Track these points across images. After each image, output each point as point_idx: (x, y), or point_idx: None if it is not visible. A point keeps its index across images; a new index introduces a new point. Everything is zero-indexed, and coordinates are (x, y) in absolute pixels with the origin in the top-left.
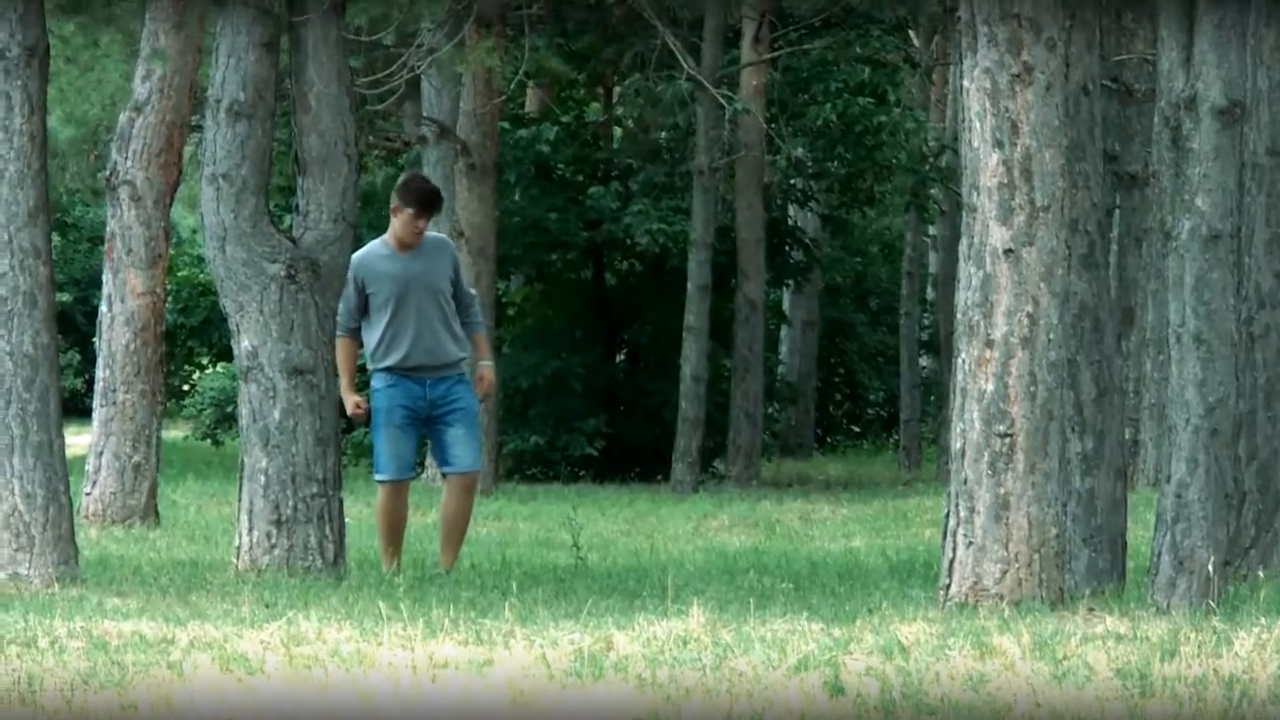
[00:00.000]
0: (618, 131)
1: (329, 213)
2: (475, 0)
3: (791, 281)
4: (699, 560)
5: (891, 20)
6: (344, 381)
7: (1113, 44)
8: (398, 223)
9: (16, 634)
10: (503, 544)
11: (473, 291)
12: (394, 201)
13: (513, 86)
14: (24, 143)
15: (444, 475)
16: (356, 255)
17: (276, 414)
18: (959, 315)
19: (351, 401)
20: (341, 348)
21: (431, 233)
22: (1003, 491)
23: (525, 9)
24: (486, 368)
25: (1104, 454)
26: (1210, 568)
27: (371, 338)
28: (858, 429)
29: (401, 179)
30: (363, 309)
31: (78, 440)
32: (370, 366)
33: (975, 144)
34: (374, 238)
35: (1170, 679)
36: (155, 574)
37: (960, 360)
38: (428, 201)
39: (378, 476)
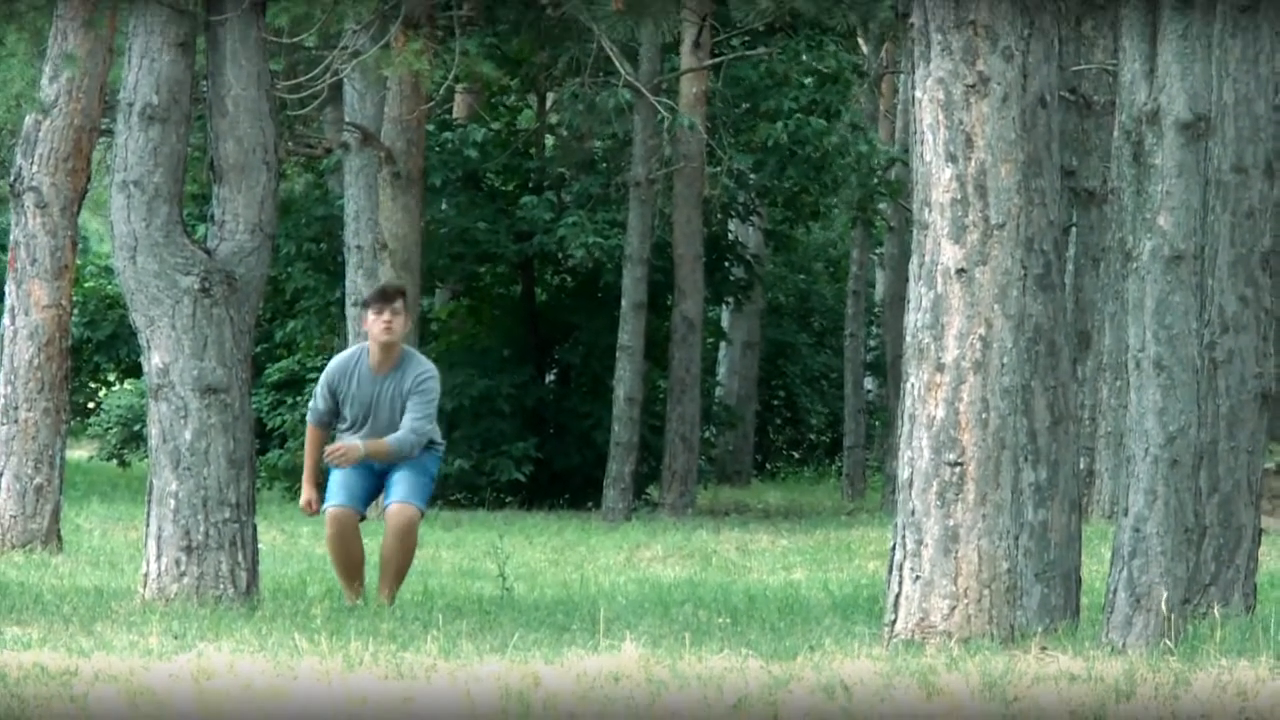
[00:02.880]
0: (551, 140)
1: (246, 223)
2: (403, 0)
3: (731, 299)
4: (631, 592)
5: (842, 27)
6: (307, 471)
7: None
8: (370, 329)
9: None
10: (425, 573)
11: (416, 418)
12: (363, 316)
13: (441, 92)
14: None
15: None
16: (333, 363)
17: (188, 434)
18: (908, 337)
19: (305, 498)
20: (310, 437)
21: (423, 360)
22: (952, 523)
23: (455, 10)
24: (356, 444)
25: (1058, 484)
26: (1168, 605)
27: (340, 431)
28: (799, 455)
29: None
30: (334, 408)
31: None
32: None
33: (927, 158)
34: (291, 248)
35: None
36: (58, 602)
37: (909, 385)
38: (381, 293)
39: (325, 505)
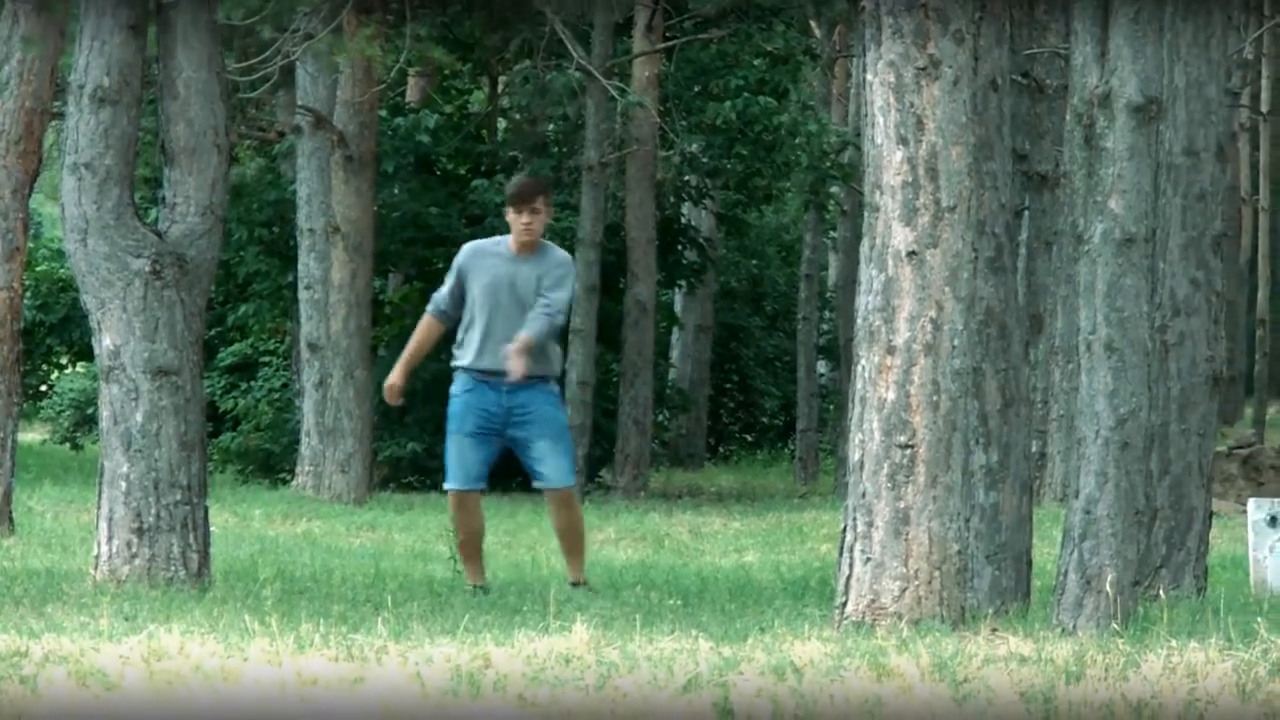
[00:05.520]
0: (503, 123)
1: (197, 205)
2: None
3: (684, 283)
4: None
5: (796, 12)
6: (404, 356)
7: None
8: (511, 225)
9: None
10: (377, 555)
11: (549, 299)
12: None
13: (392, 75)
14: None
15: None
16: (468, 245)
17: (139, 417)
18: (859, 320)
19: (391, 380)
20: (424, 324)
21: (564, 253)
22: (903, 505)
23: None
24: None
25: (1009, 467)
26: (1118, 587)
27: (460, 332)
28: (751, 438)
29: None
30: (458, 299)
31: None
32: (452, 364)
33: (878, 140)
34: (243, 233)
35: (1075, 703)
36: (8, 584)
37: (860, 367)
38: (519, 193)
39: (445, 485)
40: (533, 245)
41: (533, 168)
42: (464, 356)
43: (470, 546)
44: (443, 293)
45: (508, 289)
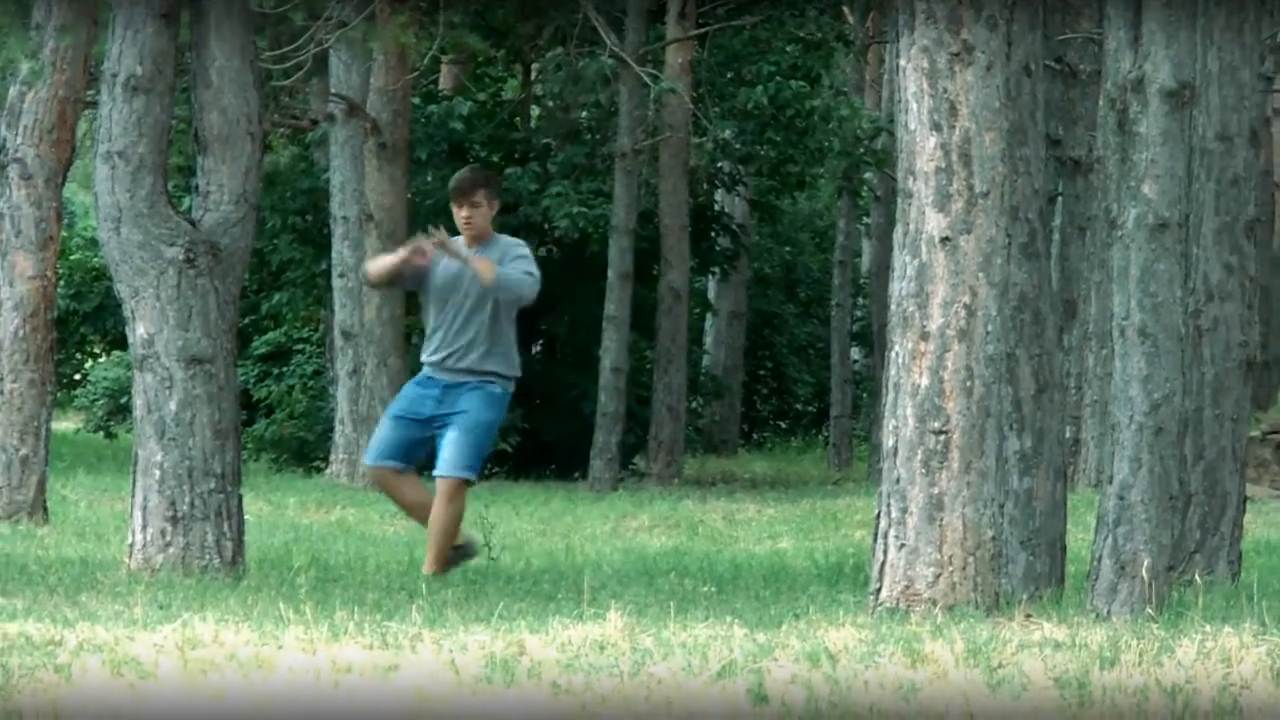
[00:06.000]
0: (536, 110)
1: (230, 194)
2: None
3: (717, 270)
4: (617, 562)
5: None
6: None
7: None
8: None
9: None
10: (411, 544)
11: (523, 266)
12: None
13: (426, 62)
14: None
15: None
16: None
17: (173, 405)
18: (893, 306)
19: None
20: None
21: (513, 238)
22: (937, 491)
23: None
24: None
25: (1043, 453)
26: (1152, 572)
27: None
28: (785, 425)
29: None
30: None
31: None
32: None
33: (912, 126)
34: (277, 221)
35: (1110, 688)
36: (43, 573)
37: (894, 353)
38: (457, 187)
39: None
40: (479, 238)
41: (565, 155)
42: (424, 353)
43: (421, 514)
44: None
45: (459, 282)
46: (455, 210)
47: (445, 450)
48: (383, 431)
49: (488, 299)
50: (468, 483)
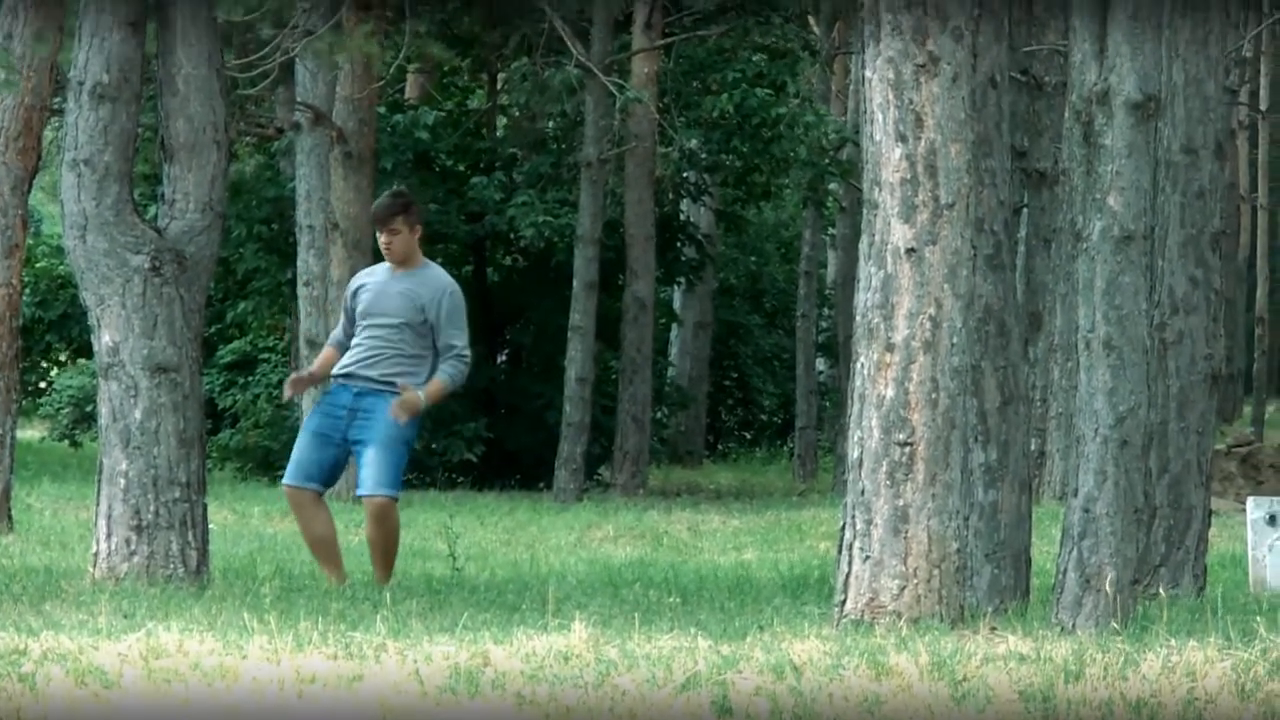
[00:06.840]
0: (502, 120)
1: (196, 202)
2: None
3: (683, 280)
4: (582, 572)
5: (794, 9)
6: (310, 369)
7: (1023, 34)
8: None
9: None
10: None
11: (457, 345)
12: None
13: (391, 71)
14: None
15: None
16: (360, 272)
17: (138, 414)
18: (858, 317)
19: (293, 379)
20: (319, 358)
21: (441, 273)
22: (901, 503)
23: None
24: (412, 388)
25: (1008, 465)
26: (1116, 586)
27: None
28: (750, 436)
29: None
30: (353, 321)
31: None
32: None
33: (877, 137)
34: (242, 230)
35: (1075, 702)
36: (7, 582)
37: (859, 364)
38: (376, 214)
39: (283, 480)
40: (404, 263)
41: (531, 164)
42: (335, 367)
43: (320, 550)
44: (341, 321)
45: (382, 302)
46: (378, 235)
47: (366, 470)
48: (304, 451)
49: (407, 327)
50: (394, 499)
